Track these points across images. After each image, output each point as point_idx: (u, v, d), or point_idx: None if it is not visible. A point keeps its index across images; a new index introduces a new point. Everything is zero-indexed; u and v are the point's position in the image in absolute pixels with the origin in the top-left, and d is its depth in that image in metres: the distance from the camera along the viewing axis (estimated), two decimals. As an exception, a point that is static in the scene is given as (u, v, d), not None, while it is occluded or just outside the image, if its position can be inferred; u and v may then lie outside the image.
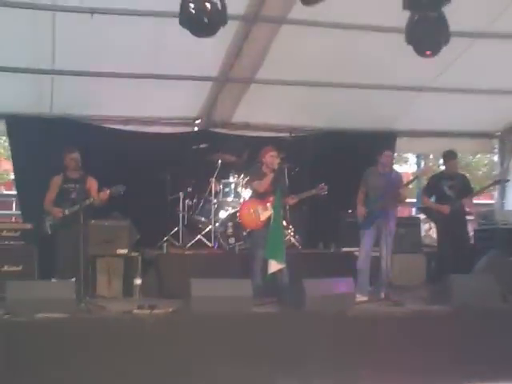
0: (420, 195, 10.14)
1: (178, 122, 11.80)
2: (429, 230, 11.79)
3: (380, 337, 7.46)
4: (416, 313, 7.94)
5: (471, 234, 12.02)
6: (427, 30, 7.78)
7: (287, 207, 9.92)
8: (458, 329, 7.67)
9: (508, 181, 12.48)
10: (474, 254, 10.09)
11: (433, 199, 10.20)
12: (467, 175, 11.91)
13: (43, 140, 10.48)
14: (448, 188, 10.07)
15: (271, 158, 9.12)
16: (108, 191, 8.79)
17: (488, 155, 18.28)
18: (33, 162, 10.55)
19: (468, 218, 10.72)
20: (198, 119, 11.78)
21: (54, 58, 9.50)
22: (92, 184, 9.10)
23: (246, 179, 10.11)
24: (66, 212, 8.86)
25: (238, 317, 7.22)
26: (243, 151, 10.94)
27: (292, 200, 9.20)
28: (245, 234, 10.16)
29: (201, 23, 7.39)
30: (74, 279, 7.89)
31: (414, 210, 13.16)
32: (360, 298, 8.55)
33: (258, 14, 9.16)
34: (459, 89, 11.25)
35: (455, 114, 11.95)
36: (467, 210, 10.20)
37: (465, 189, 10.11)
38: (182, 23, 7.42)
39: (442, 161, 10.99)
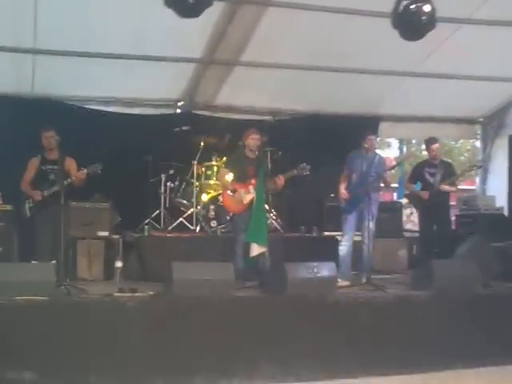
0: (402, 181, 10.22)
1: (160, 103, 11.70)
2: (410, 215, 11.81)
3: (361, 321, 7.46)
4: (398, 298, 7.94)
5: (453, 219, 12.08)
6: (413, 14, 7.77)
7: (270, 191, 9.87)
8: (440, 314, 7.70)
9: (481, 166, 12.60)
10: (456, 240, 10.12)
11: (418, 186, 10.27)
12: (450, 161, 11.95)
13: (23, 120, 10.35)
14: (429, 175, 10.26)
15: (253, 141, 9.07)
16: (85, 170, 8.70)
17: (471, 141, 18.32)
18: (13, 142, 10.41)
19: (450, 203, 10.81)
20: (180, 101, 11.69)
21: (35, 36, 9.36)
22: (71, 165, 8.95)
23: (225, 163, 10.01)
24: (45, 193, 8.73)
25: (220, 300, 7.18)
26: (225, 134, 10.89)
27: (280, 180, 9.10)
28: (227, 217, 10.13)
29: (186, 4, 7.33)
30: (54, 261, 7.81)
31: (395, 194, 13.14)
32: (342, 282, 8.54)
33: (243, -5, 9.12)
34: (443, 74, 11.27)
35: (438, 100, 11.96)
36: (449, 192, 10.30)
37: (447, 175, 10.22)
38: (167, 3, 7.36)
39: (424, 147, 11.07)
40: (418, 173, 10.50)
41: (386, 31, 8.06)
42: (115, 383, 6.50)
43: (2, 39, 9.39)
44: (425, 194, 10.15)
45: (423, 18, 7.83)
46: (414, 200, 10.61)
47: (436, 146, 10.38)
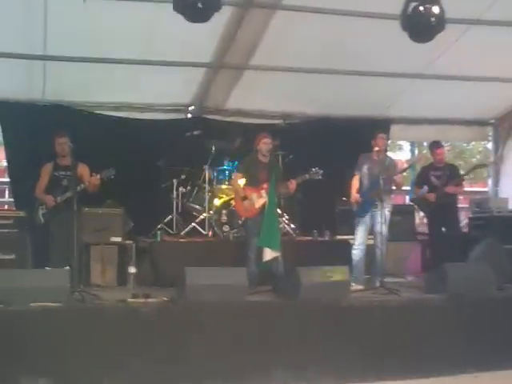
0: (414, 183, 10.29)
1: (171, 108, 11.73)
2: (423, 218, 11.78)
3: (375, 325, 7.45)
4: (411, 301, 7.93)
5: (465, 221, 12.06)
6: (422, 16, 7.77)
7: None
8: (454, 317, 7.68)
9: (486, 165, 12.60)
10: (469, 243, 10.08)
11: (425, 190, 10.31)
12: (457, 164, 11.97)
13: (35, 127, 10.41)
14: (435, 178, 10.31)
15: (265, 145, 9.09)
16: (98, 176, 8.71)
17: (482, 143, 18.25)
18: (25, 148, 10.49)
19: (460, 205, 10.81)
20: (191, 106, 11.72)
21: (45, 43, 9.41)
22: (84, 170, 8.97)
23: (237, 167, 9.99)
24: (59, 200, 8.75)
25: (233, 305, 7.18)
26: (236, 138, 10.89)
27: (292, 185, 9.10)
28: (239, 221, 10.13)
29: (195, 9, 7.36)
30: (68, 267, 7.82)
31: (407, 197, 13.13)
32: (355, 286, 8.55)
33: (252, 0, 9.09)
34: (453, 76, 11.25)
35: (449, 102, 11.94)
36: (455, 196, 10.30)
37: (453, 177, 10.30)
38: (176, 9, 7.39)
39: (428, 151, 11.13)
40: (423, 177, 10.58)
41: (396, 33, 8.07)
42: (129, 389, 6.52)
43: (14, 46, 9.46)
44: (431, 197, 10.20)
45: (432, 19, 7.84)
46: (422, 204, 10.65)
47: (440, 150, 10.45)
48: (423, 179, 10.50)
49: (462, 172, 11.11)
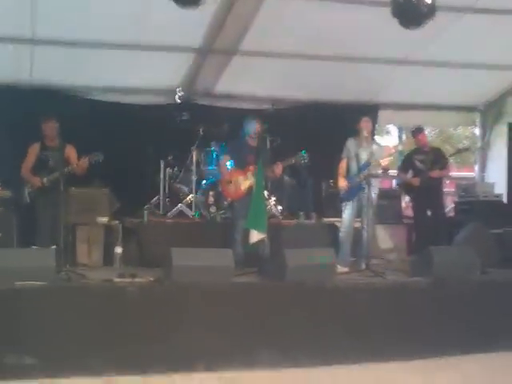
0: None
1: (160, 92, 11.66)
2: (409, 202, 11.84)
3: (360, 308, 7.48)
4: (397, 284, 7.98)
5: (451, 206, 12.13)
6: (413, 4, 7.78)
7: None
8: (438, 300, 7.71)
9: (468, 149, 12.73)
10: (455, 227, 10.15)
11: (410, 175, 10.38)
12: (444, 148, 12.03)
13: (23, 109, 10.33)
14: (419, 162, 10.43)
15: (252, 129, 9.14)
16: (87, 159, 8.70)
17: (470, 128, 18.31)
18: (11, 130, 10.42)
19: (447, 190, 10.89)
20: (178, 88, 11.63)
21: (34, 25, 9.35)
22: (71, 152, 8.99)
23: (225, 150, 10.00)
24: (45, 180, 8.75)
25: (219, 286, 7.18)
26: (223, 123, 10.88)
27: (278, 168, 9.14)
28: (226, 203, 10.14)
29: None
30: (53, 247, 7.82)
31: (394, 181, 13.19)
32: (341, 268, 8.58)
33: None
34: (442, 62, 11.26)
35: (437, 87, 11.95)
36: (441, 178, 10.40)
37: (437, 161, 10.37)
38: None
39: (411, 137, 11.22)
40: (408, 161, 10.69)
41: (386, 18, 8.07)
42: (115, 368, 6.49)
43: (1, 28, 9.37)
44: (415, 181, 10.33)
45: (423, 7, 7.84)
46: (407, 188, 10.71)
47: (422, 135, 10.58)
48: (408, 164, 10.59)
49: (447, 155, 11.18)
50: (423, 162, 10.39)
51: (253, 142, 9.20)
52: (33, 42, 9.77)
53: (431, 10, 7.89)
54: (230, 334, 7.00)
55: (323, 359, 7.13)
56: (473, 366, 7.22)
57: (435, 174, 10.31)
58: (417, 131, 10.73)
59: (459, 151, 11.79)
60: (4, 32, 9.47)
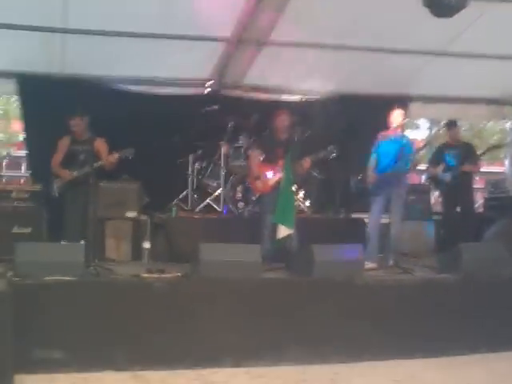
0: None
1: (189, 82, 11.66)
2: (438, 198, 11.75)
3: (388, 304, 7.46)
4: (425, 281, 7.92)
5: (481, 202, 12.02)
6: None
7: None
8: (468, 297, 7.68)
9: (499, 147, 12.55)
10: (484, 223, 10.07)
11: (440, 169, 10.26)
12: (472, 143, 11.87)
13: (54, 100, 10.33)
14: (450, 157, 10.20)
15: (282, 123, 9.11)
16: (117, 155, 8.74)
17: (501, 122, 18.12)
18: (43, 122, 10.44)
19: (476, 186, 10.77)
20: (209, 80, 11.64)
21: (66, 16, 9.33)
22: (101, 146, 9.00)
23: (255, 144, 9.98)
24: (75, 174, 8.80)
25: (247, 282, 7.21)
26: (252, 114, 10.86)
27: (306, 163, 9.12)
28: (254, 198, 10.14)
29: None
30: (82, 242, 7.87)
31: (423, 177, 13.11)
32: (369, 264, 8.54)
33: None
34: (473, 54, 11.10)
35: (468, 80, 11.78)
36: (471, 175, 10.25)
37: (468, 156, 10.24)
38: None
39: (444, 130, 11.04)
40: (438, 155, 10.52)
41: (416, 9, 7.97)
42: (142, 363, 6.56)
43: (32, 19, 9.40)
44: (447, 177, 10.14)
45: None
46: (436, 182, 10.58)
47: (456, 129, 10.41)
48: (439, 158, 10.45)
49: (478, 151, 11.03)
50: (455, 158, 10.26)
51: (282, 136, 9.17)
52: (64, 31, 9.74)
53: (462, 2, 7.78)
54: (258, 329, 7.03)
55: (351, 355, 7.15)
56: (502, 363, 7.18)
57: (467, 168, 10.19)
58: (451, 125, 10.59)
59: (489, 149, 11.57)
60: (35, 21, 9.49)
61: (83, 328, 6.51)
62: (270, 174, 9.02)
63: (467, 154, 10.27)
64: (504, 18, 9.77)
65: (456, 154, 10.25)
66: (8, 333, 6.03)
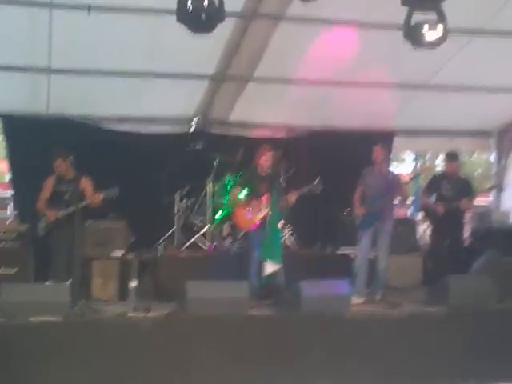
0: (419, 193, 10.21)
1: (174, 121, 11.72)
2: (426, 231, 11.69)
3: (377, 339, 7.44)
4: (413, 314, 7.92)
5: (467, 234, 12.00)
6: (425, 25, 7.79)
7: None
8: (456, 330, 7.66)
9: (502, 189, 12.52)
10: (470, 255, 10.05)
11: (433, 198, 10.18)
12: (470, 179, 11.82)
13: (39, 140, 10.40)
14: (446, 190, 10.06)
15: (265, 162, 9.13)
16: (101, 195, 8.73)
17: (484, 155, 18.18)
18: (29, 161, 10.47)
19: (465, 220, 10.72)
20: (194, 118, 11.66)
21: (50, 56, 9.42)
22: (86, 185, 8.98)
23: (238, 180, 10.00)
24: (60, 214, 8.77)
25: (235, 319, 7.19)
26: (238, 149, 10.88)
27: (291, 198, 9.12)
28: (241, 234, 10.13)
29: (198, 20, 7.34)
30: (69, 281, 7.84)
31: (409, 211, 13.12)
32: (356, 299, 8.55)
33: (255, 11, 9.15)
34: (456, 87, 11.20)
35: (453, 112, 11.88)
36: (465, 211, 10.18)
37: (465, 191, 10.05)
38: (179, 20, 7.38)
39: (443, 160, 10.93)
40: (434, 185, 10.28)
41: (400, 43, 8.06)
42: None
43: (18, 59, 9.48)
44: (440, 209, 9.95)
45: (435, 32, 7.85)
46: (429, 212, 10.46)
47: (457, 162, 10.28)
48: (434, 187, 10.27)
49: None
50: (451, 190, 10.08)
51: (266, 171, 9.19)
52: (49, 71, 9.82)
53: (443, 32, 7.87)
54: (247, 366, 6.98)
55: (339, 391, 7.11)
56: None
57: (464, 205, 9.96)
58: (452, 157, 10.34)
59: (491, 189, 11.49)
60: (20, 62, 9.55)
61: (69, 369, 6.45)
62: (255, 210, 9.01)
63: (465, 189, 10.12)
64: (486, 50, 9.90)
65: (451, 189, 10.09)
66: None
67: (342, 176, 10.71)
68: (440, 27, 7.77)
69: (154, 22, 8.94)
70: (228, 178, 10.75)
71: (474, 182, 11.11)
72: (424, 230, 11.97)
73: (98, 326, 6.98)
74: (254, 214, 9.02)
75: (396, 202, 9.49)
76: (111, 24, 8.85)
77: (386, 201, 9.14)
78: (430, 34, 7.81)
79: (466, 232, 11.86)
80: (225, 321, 7.11)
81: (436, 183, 10.28)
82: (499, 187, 12.41)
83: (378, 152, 9.41)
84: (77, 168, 8.89)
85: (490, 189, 12.07)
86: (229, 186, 10.61)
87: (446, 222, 9.88)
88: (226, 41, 9.64)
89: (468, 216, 12.05)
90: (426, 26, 7.80)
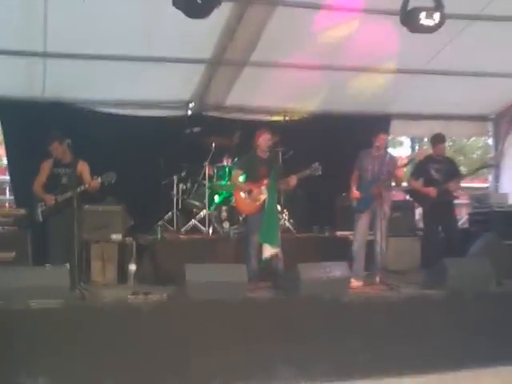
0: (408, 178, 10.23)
1: (171, 105, 11.70)
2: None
3: (375, 321, 7.48)
4: (411, 297, 7.94)
5: (465, 217, 12.02)
6: (422, 10, 7.77)
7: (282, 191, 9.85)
8: (453, 313, 7.70)
9: (493, 166, 12.56)
10: (469, 238, 10.07)
11: (420, 182, 10.20)
12: (456, 159, 11.86)
13: (35, 124, 10.40)
14: (435, 171, 10.13)
15: (264, 141, 9.10)
16: (99, 179, 8.68)
17: (482, 138, 18.21)
18: (25, 146, 10.46)
19: (460, 201, 10.71)
20: (191, 102, 11.68)
21: (45, 40, 9.37)
22: (83, 168, 8.94)
23: (237, 163, 9.97)
24: (58, 199, 8.73)
25: (233, 302, 7.20)
26: (235, 132, 10.87)
27: (292, 181, 9.11)
28: (239, 218, 10.14)
29: (194, 4, 7.33)
30: (67, 265, 7.83)
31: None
32: (355, 282, 8.57)
33: (252, -5, 9.11)
34: (453, 71, 11.22)
35: (450, 97, 11.91)
36: (454, 193, 10.20)
37: (452, 172, 10.13)
38: (175, 4, 7.36)
39: (429, 143, 10.95)
40: (422, 169, 10.29)
41: (397, 28, 8.04)
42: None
43: (13, 43, 9.42)
44: (432, 192, 9.93)
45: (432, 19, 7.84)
46: (419, 197, 10.47)
47: (443, 144, 10.33)
48: (421, 172, 10.30)
49: (461, 168, 10.97)
50: (439, 172, 10.18)
51: (264, 155, 9.18)
52: (45, 55, 9.77)
53: (441, 17, 7.86)
54: (246, 349, 7.03)
55: (339, 374, 7.18)
56: (490, 378, 7.20)
57: (452, 187, 9.99)
58: (438, 139, 10.31)
59: (481, 168, 11.46)
60: (16, 46, 9.50)
61: (68, 353, 6.47)
62: (254, 194, 9.00)
63: (452, 170, 10.16)
64: (483, 35, 9.89)
65: (440, 169, 10.15)
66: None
67: (339, 159, 10.70)
68: (437, 13, 7.78)
69: (151, 7, 8.88)
70: (226, 160, 10.75)
71: (469, 165, 11.17)
72: (421, 213, 11.99)
73: (98, 309, 6.98)
74: (254, 198, 9.01)
75: (393, 184, 9.44)
76: (107, 8, 8.79)
77: (383, 183, 9.11)
78: (427, 20, 7.83)
79: (465, 215, 11.90)
80: (224, 304, 7.13)
81: (424, 167, 10.29)
82: (490, 165, 12.48)
83: (382, 139, 9.38)
84: (73, 152, 8.85)
85: (485, 167, 12.08)
86: (227, 170, 10.61)
87: (437, 205, 9.91)
88: (223, 25, 9.60)
89: (466, 199, 12.10)
90: (423, 12, 7.82)
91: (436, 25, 7.92)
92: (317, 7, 9.23)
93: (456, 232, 10.26)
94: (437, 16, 7.84)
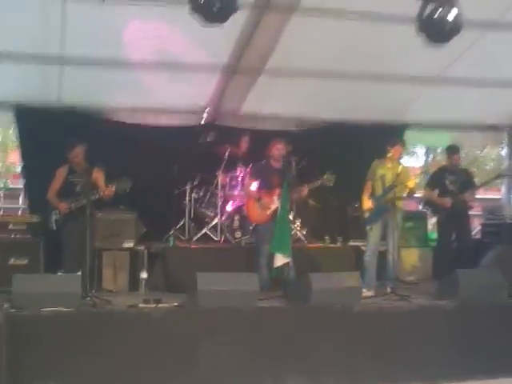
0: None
1: (186, 112, 11.67)
2: (435, 224, 11.67)
3: (386, 331, 7.47)
4: (423, 307, 7.93)
5: (478, 228, 11.98)
6: (439, 19, 7.75)
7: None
8: (464, 324, 7.68)
9: (507, 175, 12.51)
10: (481, 249, 10.04)
11: (436, 193, 10.20)
12: (470, 170, 11.83)
13: (51, 130, 10.38)
14: (450, 182, 10.15)
15: (277, 151, 9.13)
16: (113, 187, 8.71)
17: (496, 150, 18.15)
18: (40, 152, 10.45)
19: (473, 212, 10.68)
20: (205, 109, 11.66)
21: (62, 46, 9.34)
22: (98, 176, 8.96)
23: (250, 173, 9.98)
24: (73, 207, 8.76)
25: (244, 311, 7.22)
26: (243, 138, 10.94)
27: (304, 190, 9.12)
28: (251, 227, 10.15)
29: (211, 11, 7.33)
30: (79, 273, 7.86)
31: (420, 203, 13.07)
32: (366, 292, 8.55)
33: (268, 2, 9.07)
34: (469, 81, 11.12)
35: (464, 107, 11.81)
36: (469, 204, 10.17)
37: (467, 183, 10.14)
38: (192, 10, 7.38)
39: (444, 154, 10.94)
40: (437, 179, 10.36)
41: (412, 37, 8.02)
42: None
43: (30, 49, 9.40)
44: (447, 202, 10.00)
45: (449, 22, 7.81)
46: (433, 207, 10.48)
47: (458, 155, 10.34)
48: (437, 182, 10.32)
49: (475, 179, 10.93)
50: (455, 183, 10.18)
51: (277, 164, 9.20)
52: (61, 61, 9.74)
53: (457, 26, 7.83)
54: (257, 358, 7.03)
55: (350, 383, 7.11)
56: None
57: (467, 197, 10.02)
58: (453, 150, 10.42)
59: (491, 180, 11.41)
60: (33, 51, 9.50)
61: (80, 359, 6.50)
62: (266, 203, 9.02)
63: (466, 180, 10.17)
64: (499, 44, 9.84)
65: (455, 180, 10.12)
66: (3, 364, 6.01)
67: (353, 169, 10.67)
68: (453, 21, 7.75)
69: (168, 13, 8.90)
70: (239, 169, 10.76)
71: (483, 176, 11.13)
72: (433, 224, 11.96)
73: (110, 316, 7.01)
74: (265, 207, 9.03)
75: (405, 194, 9.42)
76: (124, 14, 8.81)
77: (396, 193, 9.10)
78: (443, 27, 7.81)
79: (477, 226, 11.87)
80: (235, 313, 7.15)
81: (438, 177, 10.31)
82: (505, 175, 12.43)
83: (398, 151, 9.38)
84: (88, 159, 8.90)
85: (501, 177, 12.04)
86: (240, 179, 10.62)
87: (452, 215, 9.91)
88: (239, 32, 9.58)
89: (479, 210, 12.06)
90: (439, 19, 7.79)
91: (453, 33, 7.89)
92: (332, 14, 9.20)
93: (469, 242, 10.26)
94: (454, 24, 7.82)
